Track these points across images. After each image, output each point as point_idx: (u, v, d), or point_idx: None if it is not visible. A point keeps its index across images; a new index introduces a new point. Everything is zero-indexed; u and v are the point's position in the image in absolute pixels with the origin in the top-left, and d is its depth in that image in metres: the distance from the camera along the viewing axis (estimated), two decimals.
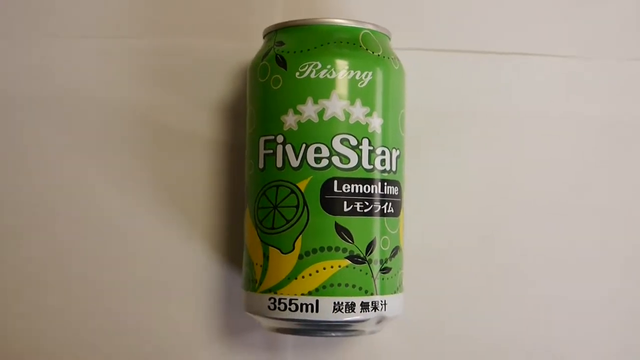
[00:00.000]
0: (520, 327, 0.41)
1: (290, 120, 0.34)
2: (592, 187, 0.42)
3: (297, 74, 0.34)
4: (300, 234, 0.33)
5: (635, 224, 0.43)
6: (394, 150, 0.35)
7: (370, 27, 0.35)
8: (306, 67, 0.34)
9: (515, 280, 0.41)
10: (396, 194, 0.35)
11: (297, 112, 0.34)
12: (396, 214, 0.35)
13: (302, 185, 0.34)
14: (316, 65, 0.34)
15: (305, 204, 0.33)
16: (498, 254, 0.42)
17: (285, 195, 0.34)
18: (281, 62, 0.34)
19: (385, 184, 0.34)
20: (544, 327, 0.41)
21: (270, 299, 0.34)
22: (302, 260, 0.33)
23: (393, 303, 0.35)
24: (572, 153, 0.42)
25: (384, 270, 0.34)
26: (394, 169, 0.35)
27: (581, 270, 0.42)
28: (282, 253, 0.34)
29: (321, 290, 0.33)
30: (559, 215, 0.42)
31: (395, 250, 0.35)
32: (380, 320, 0.34)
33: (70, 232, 0.40)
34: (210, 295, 0.40)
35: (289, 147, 0.34)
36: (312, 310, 0.33)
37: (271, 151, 0.34)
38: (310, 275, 0.33)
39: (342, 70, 0.34)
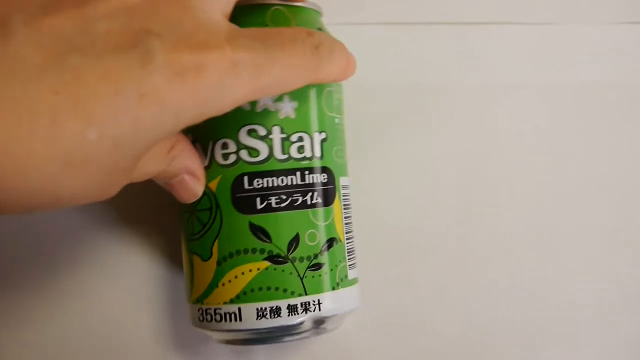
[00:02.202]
0: (494, 316, 0.37)
1: None
2: (569, 160, 0.38)
3: None
4: (216, 238, 0.31)
5: (617, 198, 0.38)
6: (316, 134, 0.32)
7: (281, 2, 0.32)
8: None
9: (488, 265, 0.38)
10: (324, 181, 0.32)
11: None
12: (327, 203, 0.32)
13: (213, 185, 0.31)
14: None
15: (217, 205, 0.31)
16: (470, 237, 0.38)
17: (200, 198, 0.31)
18: None
19: (307, 172, 0.31)
20: (519, 317, 0.38)
21: (199, 310, 0.32)
22: (220, 266, 0.31)
23: (330, 301, 0.31)
24: (547, 124, 0.38)
25: (314, 267, 0.31)
26: (317, 154, 0.32)
27: (559, 253, 0.38)
28: (203, 260, 0.31)
29: (242, 296, 0.30)
30: (534, 193, 0.38)
31: (330, 243, 0.32)
32: (321, 322, 0.31)
33: (15, 237, 0.37)
34: (178, 304, 0.38)
35: (197, 146, 0.31)
36: (235, 319, 0.30)
37: None
38: (229, 281, 0.31)
39: None
